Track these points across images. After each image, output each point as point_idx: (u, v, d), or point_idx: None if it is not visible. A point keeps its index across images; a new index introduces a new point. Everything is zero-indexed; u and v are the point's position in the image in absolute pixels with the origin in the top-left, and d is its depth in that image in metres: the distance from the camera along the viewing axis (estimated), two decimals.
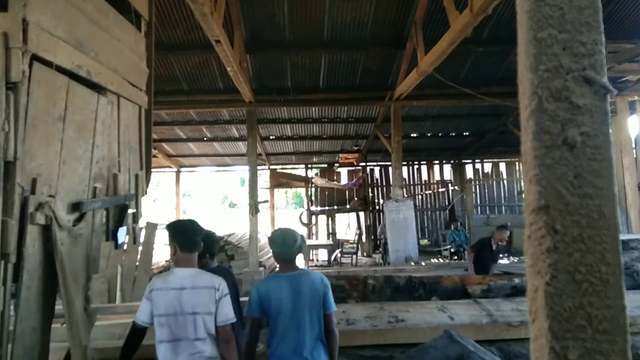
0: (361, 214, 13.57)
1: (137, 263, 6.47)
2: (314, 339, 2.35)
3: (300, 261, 11.82)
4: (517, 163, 15.04)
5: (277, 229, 2.74)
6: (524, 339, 4.08)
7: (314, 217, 13.65)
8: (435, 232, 14.26)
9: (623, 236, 6.31)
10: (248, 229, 8.84)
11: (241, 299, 2.90)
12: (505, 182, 14.85)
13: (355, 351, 3.99)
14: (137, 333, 2.25)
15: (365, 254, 12.88)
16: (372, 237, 13.70)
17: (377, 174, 15.00)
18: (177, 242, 2.33)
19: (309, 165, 15.95)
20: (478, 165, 15.47)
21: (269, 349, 2.36)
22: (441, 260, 10.78)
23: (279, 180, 14.73)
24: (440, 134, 12.63)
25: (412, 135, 12.38)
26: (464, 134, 12.66)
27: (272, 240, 2.50)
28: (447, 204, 14.65)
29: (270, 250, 2.53)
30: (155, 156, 12.47)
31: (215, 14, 4.73)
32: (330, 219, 13.56)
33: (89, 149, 2.29)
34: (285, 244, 2.44)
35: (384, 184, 14.75)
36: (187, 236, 2.37)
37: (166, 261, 10.39)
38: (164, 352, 2.18)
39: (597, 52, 0.76)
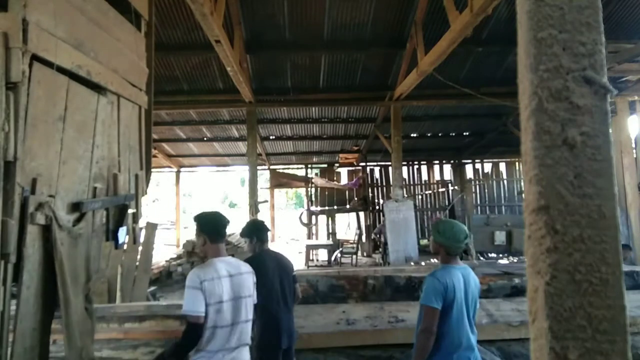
0: (361, 214, 13.56)
1: (137, 263, 6.47)
2: (473, 331, 2.42)
3: (296, 257, 11.54)
4: (517, 163, 15.03)
5: (446, 220, 2.71)
6: (524, 339, 4.08)
7: (314, 217, 13.64)
8: None
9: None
10: None
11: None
12: (505, 182, 14.84)
13: (355, 351, 4.00)
14: (199, 328, 2.27)
15: (365, 254, 12.88)
16: (372, 237, 13.70)
17: (377, 174, 14.99)
18: (206, 234, 2.45)
19: (309, 165, 15.95)
20: (478, 165, 15.46)
21: (437, 340, 2.32)
22: None
23: (279, 180, 14.73)
24: (440, 134, 12.64)
25: (412, 135, 12.38)
26: (464, 134, 12.66)
27: (441, 232, 2.43)
28: (447, 204, 14.64)
29: (435, 239, 2.46)
30: (155, 156, 12.46)
31: (215, 14, 4.72)
32: (330, 219, 13.55)
33: (89, 149, 2.28)
34: (457, 239, 2.40)
35: (384, 184, 14.74)
36: (217, 228, 2.49)
37: (166, 261, 10.40)
38: (221, 336, 2.30)
39: (597, 52, 0.76)
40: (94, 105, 2.32)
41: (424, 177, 15.56)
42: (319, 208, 13.71)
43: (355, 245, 12.15)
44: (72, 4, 2.11)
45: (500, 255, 9.72)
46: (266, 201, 13.91)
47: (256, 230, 3.27)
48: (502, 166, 15.29)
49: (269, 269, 3.08)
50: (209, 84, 8.74)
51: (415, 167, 15.36)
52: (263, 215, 11.17)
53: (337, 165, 15.25)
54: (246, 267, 2.55)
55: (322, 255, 11.98)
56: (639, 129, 8.87)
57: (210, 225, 2.48)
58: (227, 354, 2.32)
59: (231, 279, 2.38)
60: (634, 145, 8.24)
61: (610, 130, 0.77)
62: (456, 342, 2.32)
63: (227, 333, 2.32)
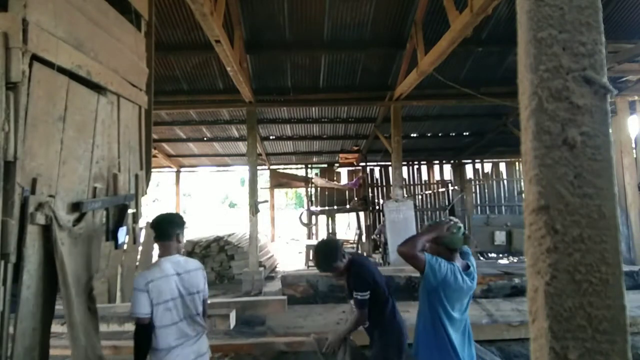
0: (361, 214, 13.55)
1: (137, 263, 6.47)
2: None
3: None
4: (517, 163, 15.02)
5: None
6: (524, 339, 4.09)
7: (314, 217, 13.64)
8: None
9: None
10: (248, 229, 8.84)
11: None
12: (505, 182, 14.84)
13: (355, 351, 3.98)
14: (146, 328, 2.34)
15: (365, 254, 12.88)
16: (372, 237, 13.69)
17: (377, 174, 14.98)
18: (154, 233, 2.56)
19: (309, 165, 15.94)
20: (478, 165, 15.45)
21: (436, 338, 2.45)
22: None
23: (279, 180, 14.73)
24: (440, 134, 12.63)
25: (412, 135, 12.38)
26: (464, 134, 12.66)
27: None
28: (447, 204, 14.63)
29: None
30: (155, 156, 12.46)
31: (215, 14, 4.72)
32: (330, 219, 13.54)
33: (89, 149, 2.29)
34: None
35: (384, 184, 14.74)
36: (161, 226, 2.56)
37: None
38: (173, 333, 2.40)
39: (597, 52, 0.76)
40: (94, 105, 2.32)
41: (424, 177, 15.55)
42: (319, 208, 13.71)
43: (355, 245, 12.15)
44: (72, 4, 2.11)
45: (500, 255, 9.72)
46: (266, 201, 13.89)
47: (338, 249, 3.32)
48: (502, 166, 15.28)
49: (376, 275, 3.24)
50: (209, 84, 8.73)
51: (415, 167, 15.35)
52: (263, 215, 11.16)
53: (337, 165, 15.24)
54: (195, 264, 2.64)
55: None
56: (639, 129, 8.88)
57: (157, 225, 2.56)
58: (187, 344, 2.44)
59: (179, 277, 2.47)
60: (634, 145, 8.24)
61: (610, 130, 0.77)
62: (457, 332, 2.42)
63: (183, 327, 2.43)
